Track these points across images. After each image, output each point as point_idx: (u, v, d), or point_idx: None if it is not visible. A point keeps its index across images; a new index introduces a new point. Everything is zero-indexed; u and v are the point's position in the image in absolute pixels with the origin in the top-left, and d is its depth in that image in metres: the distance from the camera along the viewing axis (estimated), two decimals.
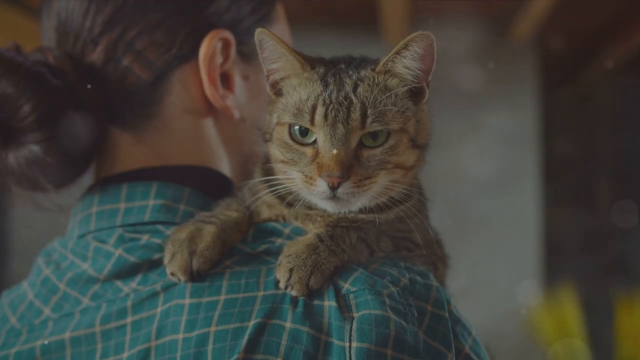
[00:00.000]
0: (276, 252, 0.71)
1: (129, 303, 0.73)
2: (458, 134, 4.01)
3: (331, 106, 0.69)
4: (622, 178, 4.79)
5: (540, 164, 4.00)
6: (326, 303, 0.67)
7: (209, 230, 0.72)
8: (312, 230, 0.73)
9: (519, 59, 4.07)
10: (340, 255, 0.70)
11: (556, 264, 4.28)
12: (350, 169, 0.68)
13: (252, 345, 0.65)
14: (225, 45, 0.83)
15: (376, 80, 0.71)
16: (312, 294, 0.68)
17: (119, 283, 0.74)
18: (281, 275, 0.68)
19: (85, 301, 0.75)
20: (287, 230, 0.74)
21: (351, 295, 0.67)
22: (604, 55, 4.18)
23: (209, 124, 0.85)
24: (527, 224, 3.89)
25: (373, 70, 0.72)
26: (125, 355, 0.71)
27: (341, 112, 0.68)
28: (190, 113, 0.84)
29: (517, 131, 4.03)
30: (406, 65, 0.71)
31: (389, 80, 0.71)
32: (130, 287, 0.73)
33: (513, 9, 3.73)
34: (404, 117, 0.70)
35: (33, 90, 0.75)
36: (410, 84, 0.71)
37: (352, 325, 0.65)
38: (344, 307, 0.66)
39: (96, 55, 0.81)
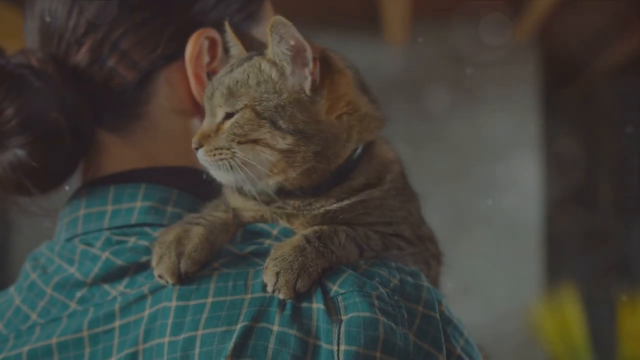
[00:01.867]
0: (264, 254, 0.70)
1: (116, 306, 0.72)
2: (459, 134, 4.00)
3: (212, 86, 0.74)
4: (624, 178, 4.78)
5: (541, 164, 3.99)
6: (314, 305, 0.66)
7: (197, 232, 0.71)
8: (299, 227, 0.73)
9: (520, 59, 4.06)
10: (328, 257, 0.69)
11: (558, 264, 4.27)
12: (206, 139, 0.73)
13: (239, 349, 0.64)
14: (212, 44, 0.82)
15: (255, 64, 0.73)
16: (300, 296, 0.66)
17: (106, 286, 0.73)
18: (268, 279, 0.67)
19: (73, 305, 0.74)
20: (275, 232, 0.73)
21: (339, 298, 0.66)
22: (606, 56, 4.17)
23: (196, 124, 0.84)
24: (528, 224, 3.88)
25: (262, 55, 0.74)
26: (113, 359, 0.70)
27: (215, 92, 0.74)
28: (178, 113, 0.83)
29: (518, 131, 4.02)
30: (275, 51, 0.72)
31: (263, 64, 0.73)
32: (117, 291, 0.73)
33: (514, 9, 3.73)
34: (260, 98, 0.72)
35: (16, 93, 0.74)
36: (285, 69, 0.72)
37: (340, 328, 0.64)
38: (332, 309, 0.65)
39: (81, 56, 0.79)
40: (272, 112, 0.71)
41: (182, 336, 0.66)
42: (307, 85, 0.72)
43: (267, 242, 0.72)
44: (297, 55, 0.71)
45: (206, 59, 0.81)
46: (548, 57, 4.29)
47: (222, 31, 0.82)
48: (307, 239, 0.69)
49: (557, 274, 4.02)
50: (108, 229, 0.77)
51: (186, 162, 0.83)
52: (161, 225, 0.76)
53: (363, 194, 0.74)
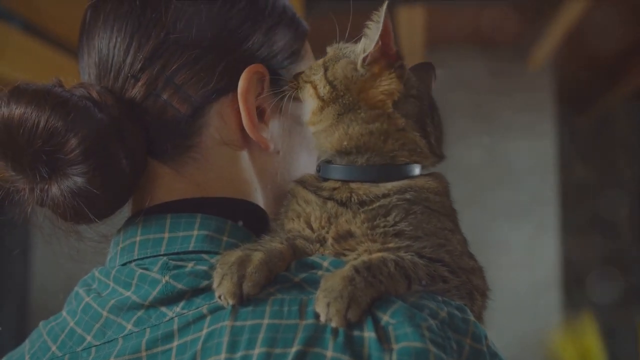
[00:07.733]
0: (317, 281, 0.73)
1: (175, 327, 0.74)
2: (476, 160, 4.01)
3: None
4: None
5: (559, 191, 3.99)
6: (366, 334, 0.68)
7: (257, 256, 0.74)
8: (343, 224, 0.79)
9: (536, 86, 4.08)
10: (377, 287, 0.71)
11: (577, 290, 4.24)
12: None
13: None
14: (261, 79, 0.86)
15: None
16: (351, 325, 0.69)
17: (163, 308, 0.76)
18: (320, 309, 0.69)
19: (129, 327, 0.77)
20: (325, 264, 0.76)
21: (390, 327, 0.68)
22: (621, 82, 4.19)
23: (244, 156, 0.88)
24: (547, 251, 3.87)
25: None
26: None
27: None
28: (227, 145, 0.86)
29: (535, 158, 4.03)
30: (370, 26, 0.84)
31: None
32: (174, 312, 0.75)
33: (530, 37, 3.76)
34: (334, 55, 0.87)
35: (81, 124, 0.77)
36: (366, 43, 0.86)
37: (391, 356, 0.66)
38: (383, 338, 0.67)
39: (136, 90, 0.83)
40: (330, 62, 0.85)
41: (239, 354, 0.68)
42: (360, 58, 0.82)
43: (319, 273, 0.75)
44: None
45: (255, 93, 0.85)
46: (564, 83, 4.31)
47: (269, 67, 0.86)
48: (356, 270, 0.72)
49: (576, 301, 4.00)
50: (165, 254, 0.79)
51: (233, 193, 0.86)
52: (217, 254, 0.78)
53: (383, 200, 0.79)
